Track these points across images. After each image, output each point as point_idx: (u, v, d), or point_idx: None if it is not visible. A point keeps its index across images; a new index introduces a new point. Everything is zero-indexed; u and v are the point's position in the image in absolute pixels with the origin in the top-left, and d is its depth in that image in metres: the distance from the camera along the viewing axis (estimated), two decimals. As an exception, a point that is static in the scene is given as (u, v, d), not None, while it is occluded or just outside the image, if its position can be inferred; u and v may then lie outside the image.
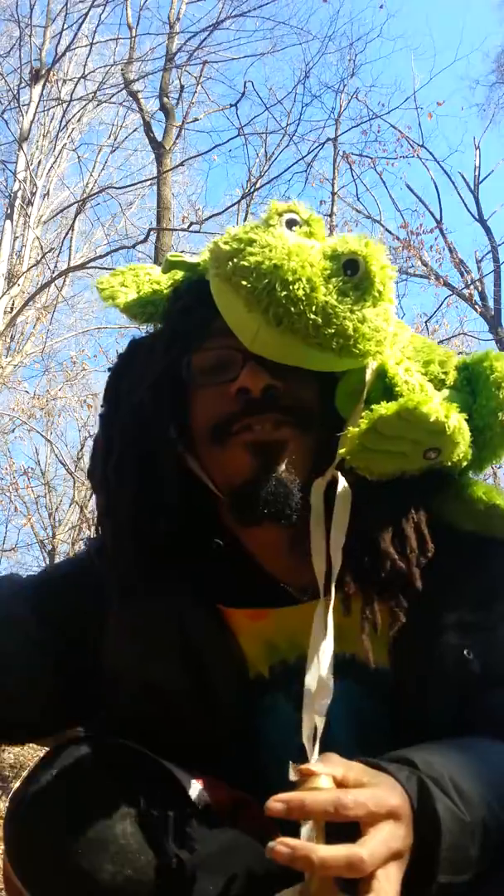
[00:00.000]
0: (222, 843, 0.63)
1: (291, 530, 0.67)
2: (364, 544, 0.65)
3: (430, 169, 10.16)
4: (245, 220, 11.39)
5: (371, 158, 9.22)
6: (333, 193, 8.84)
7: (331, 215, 8.74)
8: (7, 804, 0.65)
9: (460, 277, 9.91)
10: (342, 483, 0.64)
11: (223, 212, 8.93)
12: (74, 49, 7.63)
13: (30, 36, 7.52)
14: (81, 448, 12.75)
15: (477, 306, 9.80)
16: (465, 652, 0.66)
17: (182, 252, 0.79)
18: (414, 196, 10.30)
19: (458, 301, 9.74)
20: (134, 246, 7.41)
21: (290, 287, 0.56)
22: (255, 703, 0.68)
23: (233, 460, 0.67)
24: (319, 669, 0.60)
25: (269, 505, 0.65)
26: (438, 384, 0.65)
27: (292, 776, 0.52)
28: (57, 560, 12.81)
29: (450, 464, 0.65)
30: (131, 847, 0.58)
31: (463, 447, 0.63)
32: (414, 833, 0.54)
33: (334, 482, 0.65)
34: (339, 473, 0.65)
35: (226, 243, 0.61)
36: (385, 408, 0.59)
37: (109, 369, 0.79)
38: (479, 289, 9.95)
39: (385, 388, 0.62)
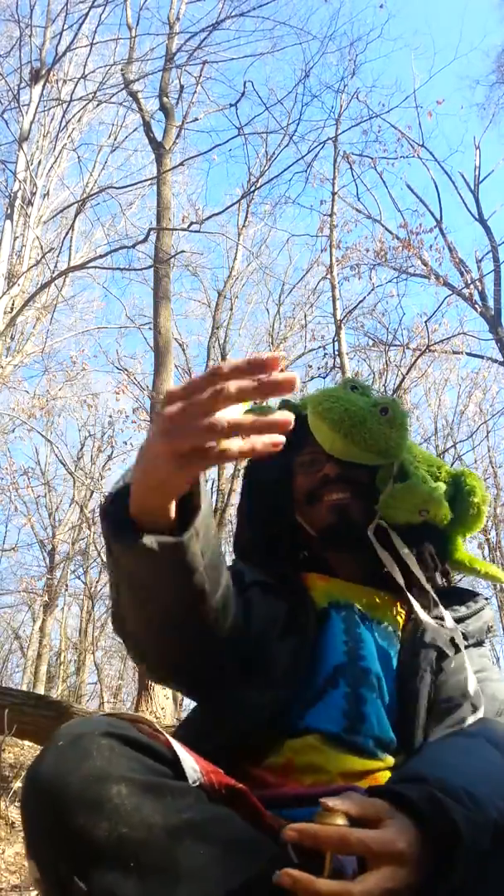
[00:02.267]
0: (214, 814, 0.67)
1: (359, 553, 1.11)
2: (400, 561, 1.09)
3: (430, 169, 10.18)
4: (245, 219, 11.46)
5: (371, 158, 9.23)
6: (333, 193, 8.84)
7: (331, 215, 8.74)
8: (8, 804, 0.67)
9: (460, 277, 9.93)
10: (385, 525, 1.11)
11: (223, 211, 8.95)
12: (74, 49, 7.64)
13: (30, 36, 7.53)
14: (81, 448, 12.77)
15: (477, 306, 9.81)
16: (442, 630, 1.03)
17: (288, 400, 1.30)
18: (414, 196, 10.33)
19: (458, 301, 9.76)
20: (134, 246, 7.41)
21: (353, 418, 1.07)
22: (320, 619, 1.04)
23: (321, 514, 1.13)
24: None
25: (345, 539, 1.11)
26: (434, 479, 1.11)
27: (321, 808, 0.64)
28: (57, 560, 12.83)
29: (437, 521, 1.11)
30: (126, 807, 0.61)
31: (443, 511, 1.09)
32: (433, 843, 0.63)
33: (378, 528, 1.11)
34: (381, 522, 1.11)
35: (321, 395, 1.12)
36: (398, 485, 1.09)
37: (245, 468, 1.29)
38: (479, 288, 9.96)
39: (402, 475, 1.09)
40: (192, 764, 0.70)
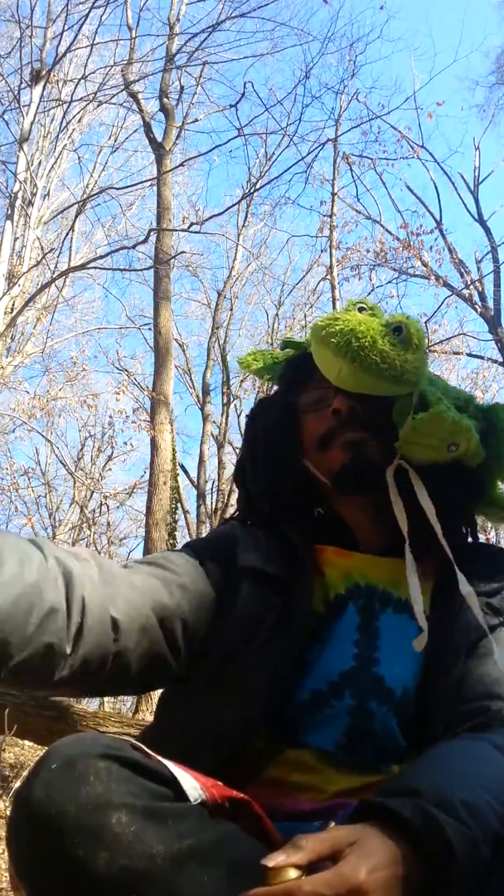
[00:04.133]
0: (217, 835, 0.64)
1: (371, 500, 0.98)
2: (417, 517, 0.93)
3: (429, 169, 10.20)
4: (245, 220, 11.47)
5: (371, 159, 9.23)
6: (333, 194, 8.85)
7: (331, 216, 8.75)
8: (7, 804, 0.66)
9: (460, 278, 9.94)
10: (407, 466, 0.95)
11: (223, 212, 8.97)
12: (75, 50, 7.64)
13: (30, 37, 7.53)
14: (81, 448, 12.76)
15: (477, 306, 9.81)
16: (483, 608, 0.89)
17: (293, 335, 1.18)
18: (414, 196, 10.33)
19: (457, 301, 9.77)
20: (134, 247, 7.41)
21: (361, 340, 0.89)
22: (332, 610, 0.92)
23: (335, 456, 0.97)
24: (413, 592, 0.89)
25: (360, 481, 0.96)
26: (462, 411, 0.94)
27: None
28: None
29: (468, 459, 0.94)
30: (126, 836, 0.58)
31: (474, 444, 0.92)
32: (428, 861, 0.59)
33: (398, 469, 0.95)
34: (402, 462, 0.95)
35: (322, 320, 0.96)
36: (421, 414, 0.90)
37: (248, 414, 1.14)
38: (479, 289, 9.96)
39: (424, 407, 0.91)
40: (191, 782, 0.66)
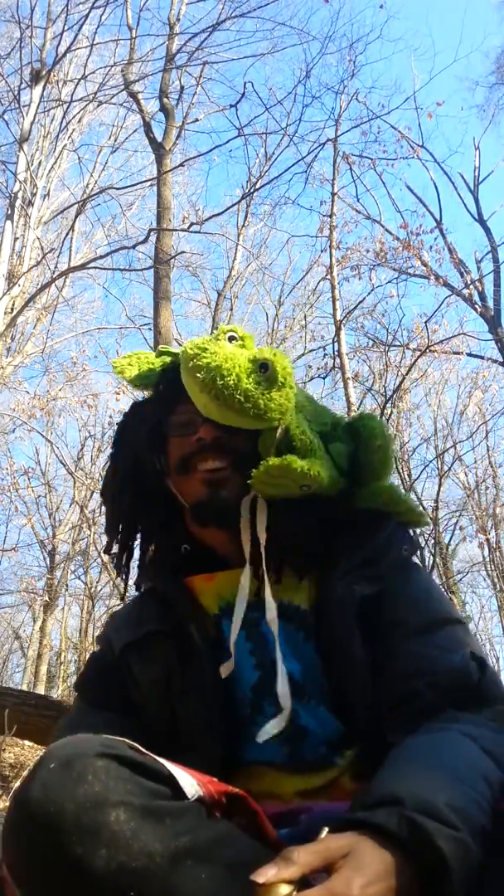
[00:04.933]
0: (214, 833, 0.64)
1: (231, 529, 0.99)
2: (275, 535, 0.96)
3: (429, 169, 10.19)
4: (245, 220, 11.47)
5: (371, 159, 9.22)
6: (333, 194, 8.84)
7: (331, 216, 8.74)
8: (7, 804, 0.65)
9: (460, 278, 9.93)
10: (260, 499, 0.98)
11: (223, 212, 8.95)
12: (75, 50, 7.64)
13: (30, 37, 7.53)
14: (81, 448, 12.76)
15: (477, 306, 9.81)
16: (354, 588, 0.92)
17: (167, 346, 1.18)
18: (414, 196, 10.33)
19: (457, 301, 9.75)
20: (134, 247, 7.41)
21: (225, 378, 0.90)
22: (219, 632, 0.96)
23: (193, 487, 1.00)
24: (268, 605, 0.93)
25: (215, 516, 0.99)
26: (329, 437, 1.00)
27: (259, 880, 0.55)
28: (57, 560, 12.84)
29: (325, 492, 0.96)
30: (124, 833, 0.58)
31: (326, 482, 0.94)
32: (422, 868, 0.58)
33: (255, 499, 0.98)
34: (258, 495, 0.98)
35: (190, 349, 0.95)
36: (273, 461, 0.92)
37: (119, 423, 1.14)
38: (479, 289, 9.96)
39: (288, 442, 0.95)
40: (188, 779, 0.67)
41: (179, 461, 1.01)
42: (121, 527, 1.09)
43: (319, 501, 0.97)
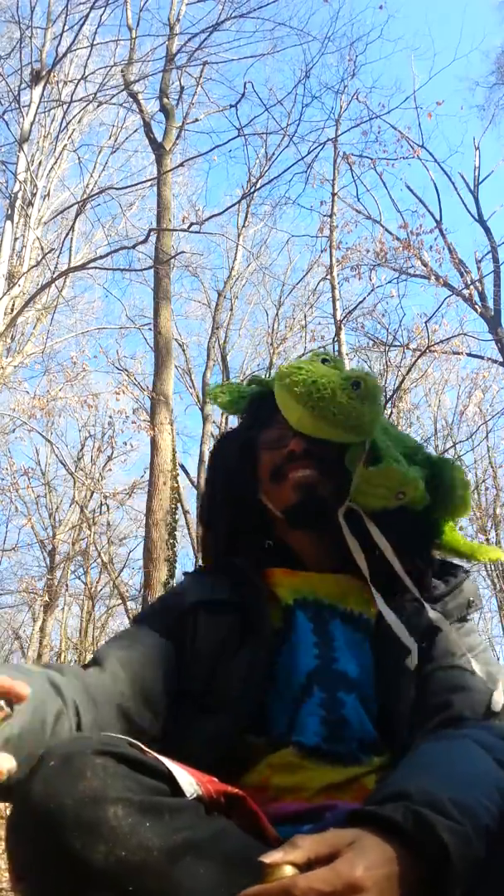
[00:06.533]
0: (213, 829, 0.65)
1: (317, 535, 1.08)
2: (369, 549, 1.03)
3: (429, 169, 10.19)
4: (245, 220, 11.48)
5: (371, 159, 9.22)
6: (333, 194, 8.85)
7: (331, 216, 8.75)
8: (7, 804, 0.67)
9: (460, 278, 9.92)
10: (358, 509, 1.04)
11: (223, 212, 8.97)
12: (75, 50, 7.64)
13: (30, 37, 7.53)
14: (81, 448, 12.77)
15: (477, 306, 9.81)
16: (424, 613, 0.98)
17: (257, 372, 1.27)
18: (414, 196, 10.33)
19: (458, 301, 9.75)
20: (134, 247, 7.41)
21: (322, 391, 0.98)
22: (287, 623, 0.99)
23: (285, 493, 1.07)
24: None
25: (309, 518, 1.06)
26: (409, 458, 1.05)
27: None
28: (57, 560, 12.85)
29: (413, 504, 1.03)
30: (123, 829, 0.59)
31: (420, 493, 1.02)
32: (424, 860, 0.59)
33: (349, 510, 1.04)
34: (353, 504, 1.04)
35: (286, 368, 1.05)
36: (373, 467, 1.00)
37: (211, 450, 1.25)
38: (479, 289, 9.95)
39: (375, 455, 1.02)
40: (187, 778, 0.67)
41: (271, 471, 1.09)
42: (218, 537, 1.15)
43: (408, 518, 1.04)
